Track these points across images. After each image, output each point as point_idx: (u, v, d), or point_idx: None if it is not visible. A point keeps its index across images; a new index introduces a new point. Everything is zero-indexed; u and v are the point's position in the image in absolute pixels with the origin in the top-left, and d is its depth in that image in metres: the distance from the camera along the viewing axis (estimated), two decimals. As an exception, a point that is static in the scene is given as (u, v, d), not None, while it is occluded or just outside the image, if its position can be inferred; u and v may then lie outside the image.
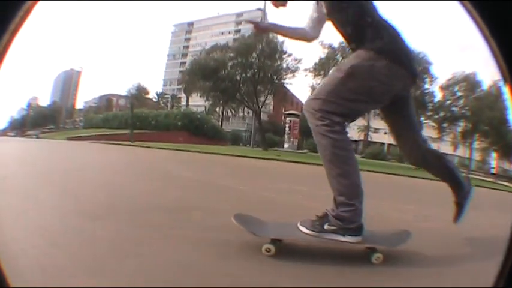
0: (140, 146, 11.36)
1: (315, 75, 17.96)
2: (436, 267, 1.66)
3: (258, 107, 19.01)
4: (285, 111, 23.51)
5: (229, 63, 18.96)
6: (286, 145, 18.65)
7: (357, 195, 1.44)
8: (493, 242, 0.91)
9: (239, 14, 31.60)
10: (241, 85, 19.02)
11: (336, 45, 16.80)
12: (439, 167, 1.74)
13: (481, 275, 0.88)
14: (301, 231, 1.47)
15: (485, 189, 6.69)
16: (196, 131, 19.78)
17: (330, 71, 1.62)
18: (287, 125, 19.73)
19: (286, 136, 19.52)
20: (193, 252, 1.51)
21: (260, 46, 18.14)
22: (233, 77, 18.74)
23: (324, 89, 1.51)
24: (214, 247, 1.58)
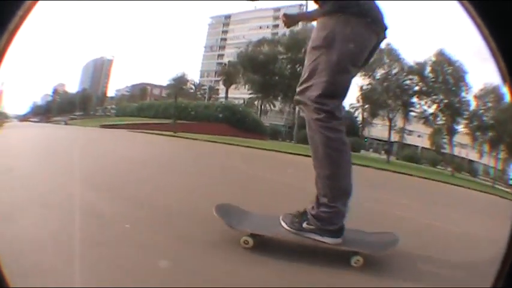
0: (184, 137, 10.71)
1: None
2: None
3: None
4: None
5: (279, 58, 19.02)
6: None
7: (341, 197, 1.37)
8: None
9: (276, 9, 31.55)
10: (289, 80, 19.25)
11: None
12: None
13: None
14: (282, 227, 1.43)
15: (505, 200, 6.51)
16: (237, 124, 19.20)
17: (307, 53, 1.48)
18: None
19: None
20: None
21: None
22: (283, 72, 18.83)
23: (311, 73, 1.40)
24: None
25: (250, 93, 22.07)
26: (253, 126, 20.87)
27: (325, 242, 1.37)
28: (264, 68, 18.90)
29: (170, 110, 18.04)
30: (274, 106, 24.18)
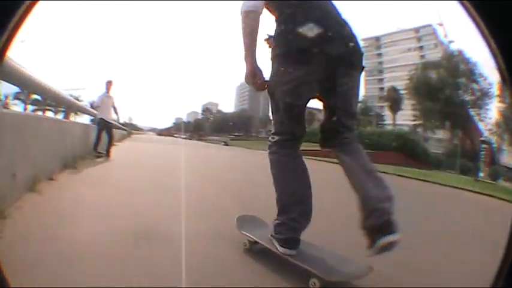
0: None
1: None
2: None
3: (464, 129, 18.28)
4: (480, 137, 20.93)
5: (449, 82, 18.50)
6: (480, 173, 16.46)
7: (284, 212, 1.48)
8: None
9: (416, 29, 30.96)
10: (462, 108, 17.97)
11: None
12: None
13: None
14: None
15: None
16: (408, 153, 18.49)
17: None
18: (482, 152, 17.40)
19: (481, 163, 17.14)
20: None
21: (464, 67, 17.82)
22: (452, 98, 18.12)
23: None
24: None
25: (414, 120, 20.87)
26: (423, 155, 19.88)
27: (280, 251, 1.45)
28: (435, 94, 18.00)
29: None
30: (435, 133, 22.57)
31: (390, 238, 1.20)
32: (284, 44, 1.41)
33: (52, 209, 2.10)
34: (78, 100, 6.10)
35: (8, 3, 0.72)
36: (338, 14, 1.44)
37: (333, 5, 1.46)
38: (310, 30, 1.33)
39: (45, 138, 3.00)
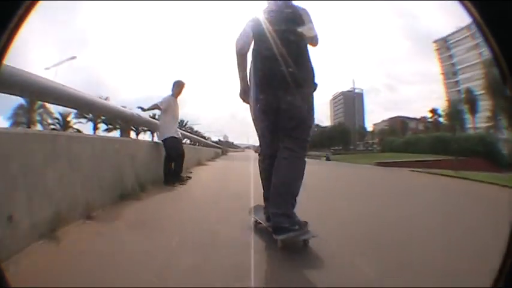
0: (470, 179, 7.83)
1: None
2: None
3: None
4: None
5: None
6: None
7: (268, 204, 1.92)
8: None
9: (467, 27, 30.29)
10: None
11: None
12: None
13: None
14: None
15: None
16: (493, 157, 17.42)
17: None
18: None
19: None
20: None
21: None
22: None
23: None
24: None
25: (488, 121, 19.86)
26: (501, 159, 18.80)
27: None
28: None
29: (439, 145, 15.68)
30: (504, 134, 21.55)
31: (278, 237, 1.68)
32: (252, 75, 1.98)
33: (52, 274, 1.26)
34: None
35: (8, 3, 0.72)
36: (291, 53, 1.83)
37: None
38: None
39: (79, 162, 2.22)
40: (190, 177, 4.80)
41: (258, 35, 1.90)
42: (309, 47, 1.94)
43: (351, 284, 1.39)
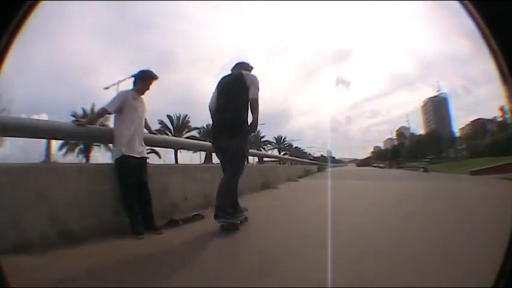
0: None
1: None
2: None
3: None
4: None
5: None
6: None
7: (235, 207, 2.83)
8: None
9: None
10: None
11: None
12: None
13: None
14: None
15: None
16: None
17: None
18: None
19: None
20: None
21: None
22: None
23: None
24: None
25: None
26: None
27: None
28: None
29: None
30: None
31: (216, 220, 2.60)
32: None
33: None
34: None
35: (8, 3, 0.72)
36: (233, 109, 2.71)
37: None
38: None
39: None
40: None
41: (215, 96, 2.85)
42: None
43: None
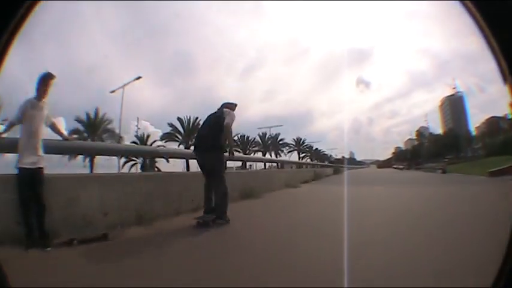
0: None
1: None
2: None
3: None
4: None
5: None
6: None
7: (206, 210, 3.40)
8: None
9: None
10: None
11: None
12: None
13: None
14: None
15: None
16: None
17: None
18: None
19: None
20: None
21: None
22: None
23: None
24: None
25: None
26: None
27: (219, 222, 3.24)
28: None
29: None
30: None
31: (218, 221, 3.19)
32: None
33: None
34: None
35: (8, 3, 0.72)
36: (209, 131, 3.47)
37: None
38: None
39: None
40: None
41: (200, 127, 3.98)
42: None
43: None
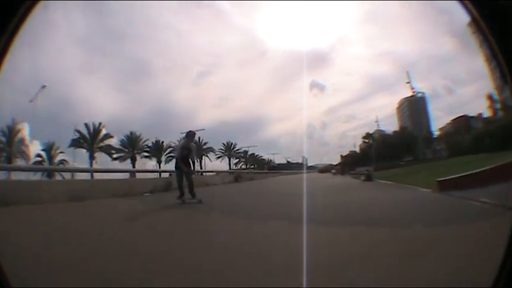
0: None
1: None
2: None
3: None
4: None
5: None
6: None
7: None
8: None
9: None
10: None
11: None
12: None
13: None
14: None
15: None
16: None
17: None
18: None
19: None
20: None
21: None
22: None
23: None
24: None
25: None
26: None
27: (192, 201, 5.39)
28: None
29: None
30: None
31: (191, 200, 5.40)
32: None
33: None
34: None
35: (9, 3, 0.71)
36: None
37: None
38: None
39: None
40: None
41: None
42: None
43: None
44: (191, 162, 5.56)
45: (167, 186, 7.44)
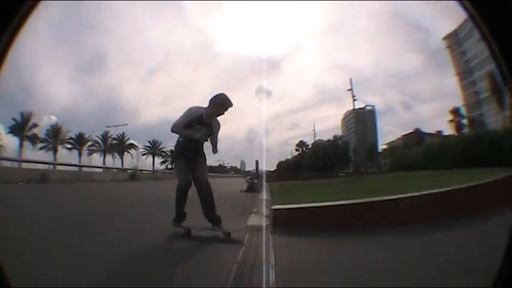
0: None
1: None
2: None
3: None
4: None
5: None
6: None
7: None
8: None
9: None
10: None
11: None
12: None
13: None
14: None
15: None
16: None
17: None
18: None
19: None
20: None
21: None
22: None
23: None
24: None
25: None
26: None
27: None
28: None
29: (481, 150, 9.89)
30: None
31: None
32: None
33: None
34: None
35: (9, 3, 0.72)
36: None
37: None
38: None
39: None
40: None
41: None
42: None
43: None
44: (203, 151, 2.99)
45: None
